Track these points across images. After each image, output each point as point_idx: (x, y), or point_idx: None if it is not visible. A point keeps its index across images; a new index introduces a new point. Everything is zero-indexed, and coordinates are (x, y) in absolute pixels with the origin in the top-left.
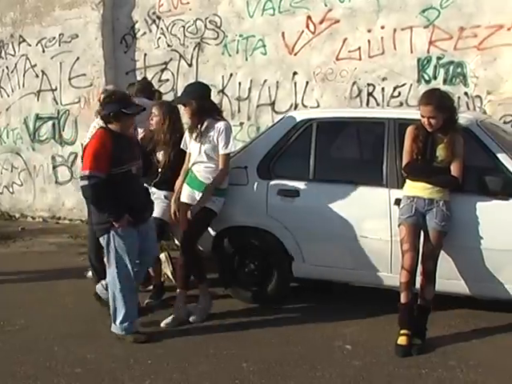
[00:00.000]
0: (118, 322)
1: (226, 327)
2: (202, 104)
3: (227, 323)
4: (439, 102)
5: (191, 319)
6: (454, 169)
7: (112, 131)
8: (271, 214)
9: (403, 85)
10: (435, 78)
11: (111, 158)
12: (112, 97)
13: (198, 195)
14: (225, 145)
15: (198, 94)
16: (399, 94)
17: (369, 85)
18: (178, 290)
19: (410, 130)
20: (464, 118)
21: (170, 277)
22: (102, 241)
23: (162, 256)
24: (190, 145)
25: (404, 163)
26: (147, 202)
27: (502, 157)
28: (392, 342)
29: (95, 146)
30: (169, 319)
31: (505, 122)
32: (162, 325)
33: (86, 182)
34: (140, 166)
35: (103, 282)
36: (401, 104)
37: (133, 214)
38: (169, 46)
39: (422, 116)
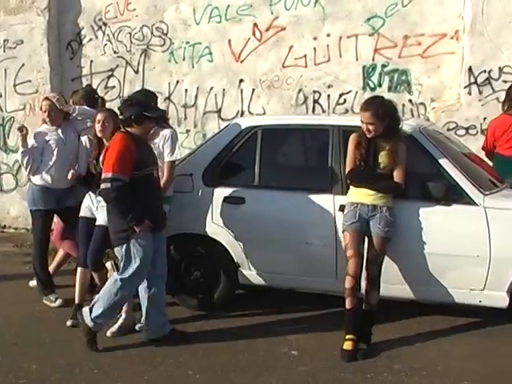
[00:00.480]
0: (93, 313)
1: None
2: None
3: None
4: (378, 109)
5: (137, 327)
6: (397, 175)
7: (132, 134)
8: (217, 221)
9: (348, 92)
10: (380, 85)
11: (135, 161)
12: (133, 100)
13: None
14: (170, 152)
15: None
16: (345, 101)
17: (314, 92)
18: None
19: (352, 137)
20: (407, 125)
21: None
22: (120, 249)
23: (108, 264)
24: None
25: (347, 170)
26: (162, 208)
27: (445, 163)
28: (338, 348)
29: (119, 148)
30: (115, 328)
31: (448, 129)
32: (108, 334)
33: (108, 185)
34: (158, 170)
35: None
36: (346, 111)
37: (152, 220)
38: (115, 52)
39: (362, 122)
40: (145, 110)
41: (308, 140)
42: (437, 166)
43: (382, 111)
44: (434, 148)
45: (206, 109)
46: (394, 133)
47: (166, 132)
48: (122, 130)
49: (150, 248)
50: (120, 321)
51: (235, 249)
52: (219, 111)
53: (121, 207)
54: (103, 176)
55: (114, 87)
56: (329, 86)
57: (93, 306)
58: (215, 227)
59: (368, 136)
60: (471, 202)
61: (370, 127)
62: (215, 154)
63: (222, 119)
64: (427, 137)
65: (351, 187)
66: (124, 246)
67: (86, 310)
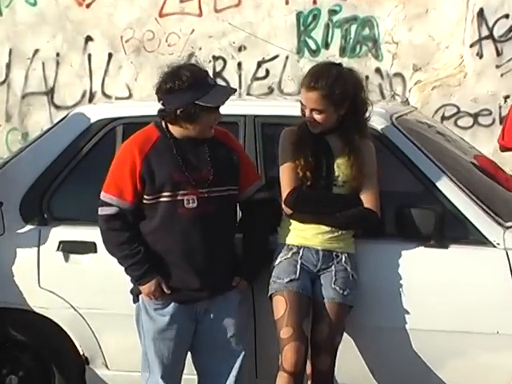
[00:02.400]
0: None
1: None
2: None
3: None
4: (333, 87)
5: None
6: (368, 197)
7: (167, 134)
8: (47, 285)
9: (274, 58)
10: (327, 45)
11: (141, 179)
12: (178, 78)
13: None
14: None
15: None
16: (267, 73)
17: (216, 58)
18: None
19: (287, 135)
20: (372, 113)
21: None
22: None
23: None
24: None
25: (284, 193)
26: (222, 267)
27: (436, 176)
28: None
29: (118, 157)
30: None
31: (444, 118)
32: None
33: (99, 211)
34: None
35: None
36: (270, 90)
37: (178, 279)
38: None
39: (303, 107)
40: (199, 97)
41: None
42: (423, 181)
43: (341, 90)
44: (417, 152)
45: (25, 89)
46: (358, 125)
47: None
48: (157, 123)
49: (174, 323)
50: None
51: (81, 332)
52: (50, 93)
53: (114, 250)
54: None
55: None
56: (240, 49)
57: None
58: (45, 296)
59: (313, 131)
60: (483, 241)
61: (318, 116)
62: (44, 167)
63: (56, 106)
64: (405, 132)
65: (287, 221)
66: (135, 308)
67: None
